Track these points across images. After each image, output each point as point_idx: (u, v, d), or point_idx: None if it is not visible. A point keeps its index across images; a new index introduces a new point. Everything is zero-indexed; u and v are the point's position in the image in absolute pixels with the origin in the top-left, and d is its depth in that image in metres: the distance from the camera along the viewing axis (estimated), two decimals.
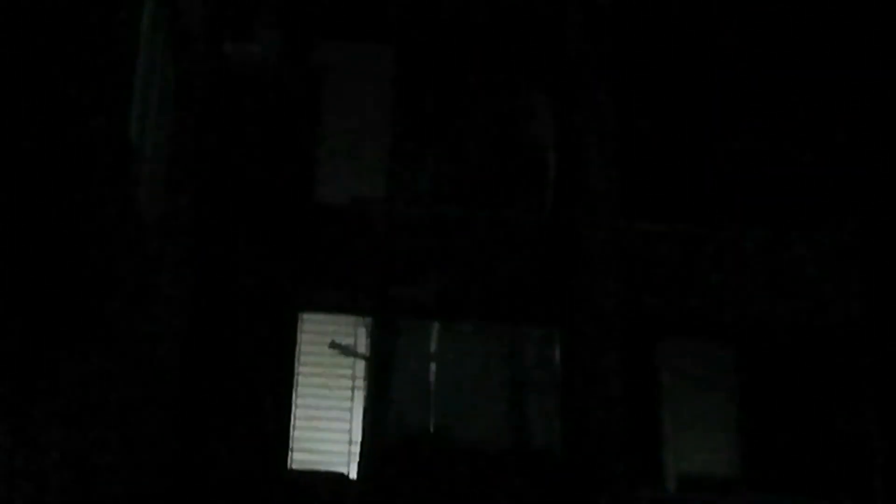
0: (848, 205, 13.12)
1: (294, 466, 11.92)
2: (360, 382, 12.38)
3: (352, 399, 12.28)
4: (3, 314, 6.46)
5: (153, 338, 10.20)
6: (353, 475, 11.92)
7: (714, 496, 12.09)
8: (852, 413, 12.61)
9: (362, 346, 12.58)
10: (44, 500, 7.50)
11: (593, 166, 12.81)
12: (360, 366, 12.46)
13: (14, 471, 7.16)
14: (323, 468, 11.96)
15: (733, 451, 12.39)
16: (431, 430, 12.22)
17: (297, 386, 12.26)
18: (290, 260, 12.49)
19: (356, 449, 12.04)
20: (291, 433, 12.03)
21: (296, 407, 12.17)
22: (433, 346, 12.66)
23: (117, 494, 9.74)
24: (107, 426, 9.30)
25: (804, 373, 12.79)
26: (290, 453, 11.96)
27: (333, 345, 12.49)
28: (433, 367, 12.54)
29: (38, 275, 6.72)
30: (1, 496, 7.78)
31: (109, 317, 8.43)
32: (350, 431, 12.13)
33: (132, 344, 9.35)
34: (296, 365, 12.33)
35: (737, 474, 12.30)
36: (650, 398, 12.57)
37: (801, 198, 13.14)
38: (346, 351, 12.49)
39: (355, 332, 12.62)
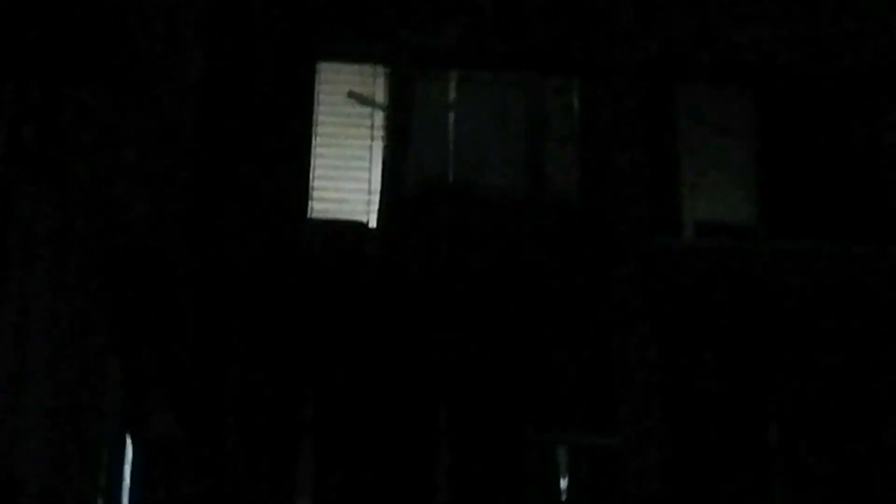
0: None
1: (314, 216, 12.02)
2: (379, 132, 12.36)
3: (370, 149, 12.29)
4: (22, 56, 6.41)
5: (171, 85, 10.14)
6: (373, 224, 12.03)
7: (732, 243, 12.18)
8: (873, 157, 12.59)
9: (381, 96, 12.51)
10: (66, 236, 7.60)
11: None
12: (379, 116, 12.42)
13: (39, 196, 7.23)
14: (342, 217, 12.07)
15: (752, 197, 12.42)
16: (450, 179, 12.27)
17: (315, 136, 12.26)
18: (308, 7, 12.30)
19: (375, 198, 12.12)
20: (311, 183, 12.09)
21: (315, 157, 12.20)
22: (452, 96, 12.58)
23: (138, 245, 9.85)
24: (126, 174, 9.34)
25: (824, 118, 12.70)
26: (309, 203, 12.04)
27: (352, 95, 12.42)
28: (452, 116, 12.49)
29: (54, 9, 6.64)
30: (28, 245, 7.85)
31: (127, 59, 8.36)
32: (369, 181, 12.19)
33: (151, 88, 9.30)
34: (314, 115, 12.29)
35: (755, 221, 12.36)
36: (668, 146, 12.55)
37: None
38: (365, 101, 12.42)
39: (374, 83, 12.53)
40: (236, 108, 12.09)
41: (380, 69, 12.54)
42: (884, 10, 12.66)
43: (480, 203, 12.13)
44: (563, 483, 11.66)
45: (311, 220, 11.98)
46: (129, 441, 10.06)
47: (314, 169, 12.14)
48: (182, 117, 11.05)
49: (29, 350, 8.25)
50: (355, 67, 12.51)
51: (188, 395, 10.99)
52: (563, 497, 11.61)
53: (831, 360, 11.80)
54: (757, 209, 12.38)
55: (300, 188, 12.01)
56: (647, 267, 11.88)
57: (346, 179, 12.18)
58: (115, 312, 9.18)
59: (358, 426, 11.46)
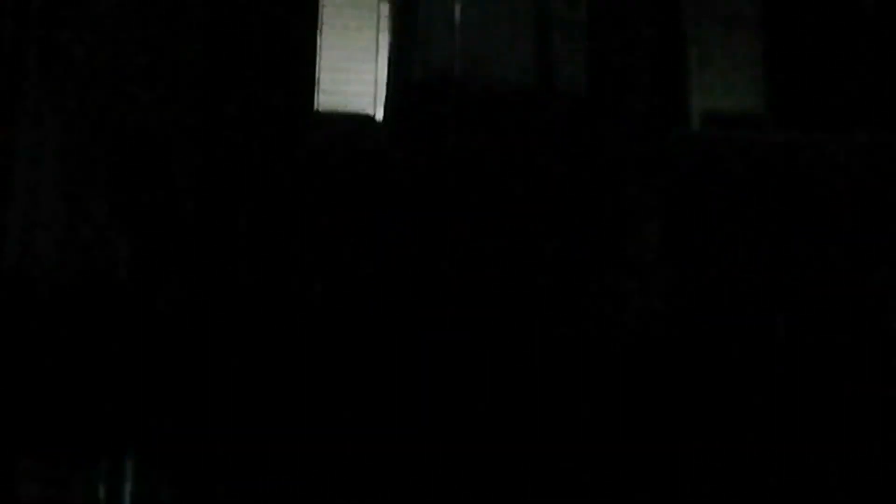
0: None
1: (320, 108, 11.99)
2: (385, 24, 12.28)
3: (377, 41, 12.23)
4: None
5: None
6: (379, 116, 12.00)
7: (740, 134, 12.13)
8: (885, 46, 12.49)
9: None
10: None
11: None
12: (385, 8, 12.34)
13: (45, 78, 7.24)
14: (349, 110, 12.03)
15: (760, 87, 12.35)
16: (456, 70, 12.20)
17: (321, 28, 12.18)
18: None
19: (382, 91, 12.07)
20: (317, 76, 12.05)
21: (321, 49, 12.14)
22: None
23: (144, 126, 9.86)
24: (132, 55, 9.34)
25: (834, 6, 12.60)
26: (316, 95, 12.01)
27: None
28: (458, 7, 12.41)
29: None
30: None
31: None
32: (375, 73, 12.13)
33: None
34: (320, 7, 12.22)
35: (763, 111, 12.30)
36: (675, 36, 12.46)
37: None
38: None
39: None
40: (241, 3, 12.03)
41: None
42: None
43: (487, 94, 12.08)
44: None
45: (318, 112, 11.95)
46: None
47: (320, 61, 12.09)
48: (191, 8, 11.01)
49: (37, 232, 8.27)
50: None
51: (192, 289, 11.03)
52: None
53: (840, 251, 11.79)
54: (765, 99, 12.31)
55: (306, 81, 11.96)
56: (654, 157, 11.86)
57: (353, 72, 12.13)
58: (122, 194, 9.20)
59: (364, 318, 11.50)
